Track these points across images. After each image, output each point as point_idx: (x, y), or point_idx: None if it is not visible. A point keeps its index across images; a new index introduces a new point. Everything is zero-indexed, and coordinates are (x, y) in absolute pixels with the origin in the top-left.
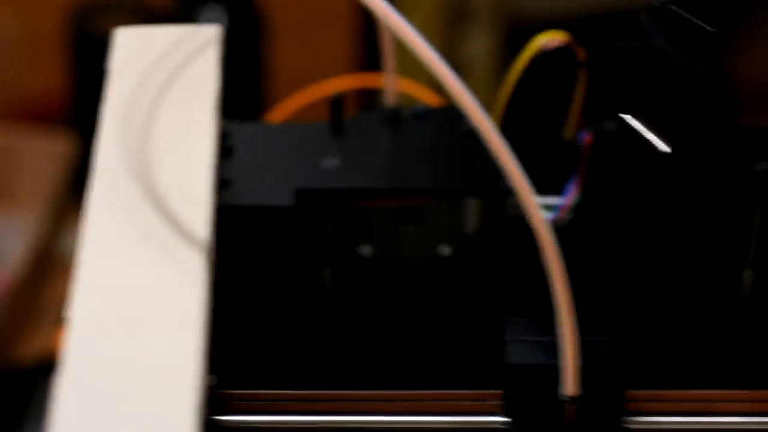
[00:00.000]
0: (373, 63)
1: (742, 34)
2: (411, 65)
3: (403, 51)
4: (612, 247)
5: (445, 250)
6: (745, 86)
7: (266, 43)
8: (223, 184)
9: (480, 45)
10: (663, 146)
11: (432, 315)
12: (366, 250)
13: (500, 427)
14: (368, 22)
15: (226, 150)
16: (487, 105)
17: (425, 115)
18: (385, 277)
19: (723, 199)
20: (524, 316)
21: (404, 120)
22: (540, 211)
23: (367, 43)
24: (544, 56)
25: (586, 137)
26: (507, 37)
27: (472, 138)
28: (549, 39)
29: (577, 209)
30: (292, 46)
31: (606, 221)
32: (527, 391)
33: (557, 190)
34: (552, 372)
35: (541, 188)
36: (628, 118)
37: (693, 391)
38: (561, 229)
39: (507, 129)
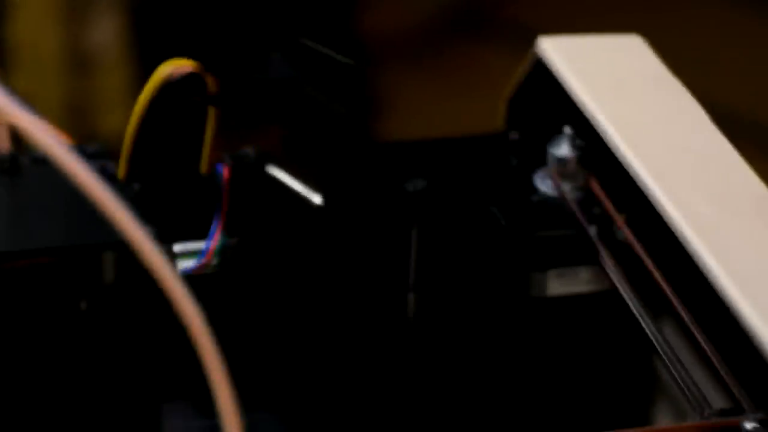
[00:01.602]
0: None
1: None
2: None
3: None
4: (268, 292)
5: (83, 305)
6: (374, 40)
7: None
8: None
9: (107, 29)
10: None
11: (77, 387)
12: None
13: None
14: None
15: None
16: (124, 96)
17: (46, 160)
18: (20, 343)
19: (381, 222)
20: (188, 395)
21: (23, 167)
22: (164, 264)
23: None
24: (170, 86)
25: (224, 170)
26: (135, 14)
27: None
28: (175, 67)
29: (223, 253)
30: None
31: (258, 265)
32: None
33: (204, 232)
34: None
35: (187, 232)
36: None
37: None
38: (209, 277)
39: (136, 168)
